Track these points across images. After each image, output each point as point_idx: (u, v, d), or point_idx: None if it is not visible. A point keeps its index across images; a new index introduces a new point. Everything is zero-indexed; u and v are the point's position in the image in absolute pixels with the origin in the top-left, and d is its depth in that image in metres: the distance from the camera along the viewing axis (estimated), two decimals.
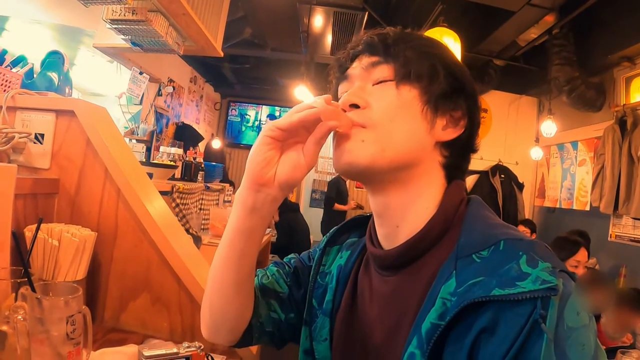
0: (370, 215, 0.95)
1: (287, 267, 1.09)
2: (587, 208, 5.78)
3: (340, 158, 0.80)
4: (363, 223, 1.03)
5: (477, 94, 0.91)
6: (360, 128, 0.79)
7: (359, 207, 7.39)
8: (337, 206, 7.08)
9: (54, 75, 1.83)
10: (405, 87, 0.81)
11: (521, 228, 5.80)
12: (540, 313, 0.62)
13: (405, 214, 0.84)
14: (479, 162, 7.09)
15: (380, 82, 0.83)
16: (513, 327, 0.62)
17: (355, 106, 0.81)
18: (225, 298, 0.92)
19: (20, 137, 1.46)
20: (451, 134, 0.85)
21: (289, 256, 1.14)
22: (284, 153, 0.80)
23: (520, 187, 7.01)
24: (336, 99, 0.90)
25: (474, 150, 0.92)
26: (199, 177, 3.97)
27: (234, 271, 0.89)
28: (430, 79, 0.82)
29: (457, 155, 0.88)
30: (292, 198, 7.74)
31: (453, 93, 0.84)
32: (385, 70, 0.83)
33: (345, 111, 0.81)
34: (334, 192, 7.18)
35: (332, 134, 0.81)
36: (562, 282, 0.64)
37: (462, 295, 0.68)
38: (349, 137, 0.79)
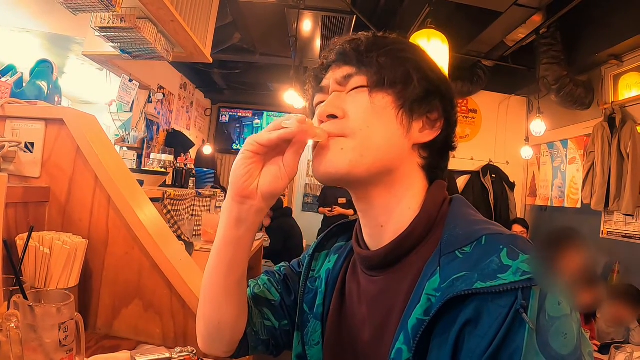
0: (356, 220, 0.97)
1: (277, 276, 1.10)
2: (579, 205, 5.80)
3: (319, 167, 0.82)
4: (349, 227, 1.04)
5: (453, 93, 0.92)
6: (338, 137, 0.81)
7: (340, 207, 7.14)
8: (320, 210, 7.06)
9: (43, 84, 1.83)
10: (379, 94, 0.83)
11: (517, 228, 5.84)
12: (522, 303, 0.63)
13: (388, 215, 0.86)
14: (469, 162, 7.12)
15: (355, 88, 0.84)
16: (496, 319, 0.64)
17: (332, 116, 0.83)
18: (218, 309, 0.93)
19: (10, 146, 1.46)
20: (428, 135, 0.87)
21: (280, 264, 1.15)
22: (266, 165, 0.82)
23: (512, 186, 7.04)
24: (312, 107, 0.93)
25: (452, 149, 0.94)
26: (190, 184, 3.96)
27: (224, 281, 0.91)
28: (404, 84, 0.84)
29: (435, 155, 0.89)
30: (285, 202, 7.73)
31: (428, 96, 0.86)
32: (358, 80, 0.84)
33: (323, 122, 0.84)
34: (321, 197, 7.16)
35: (312, 143, 0.83)
36: None
37: (445, 291, 0.70)
38: (328, 147, 0.81)
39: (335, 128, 0.82)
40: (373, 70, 0.83)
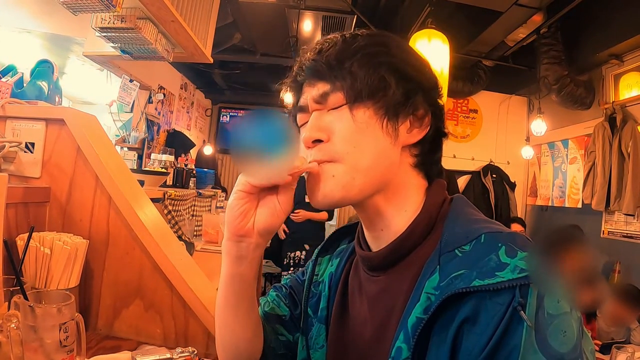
0: (359, 222, 0.97)
1: (284, 290, 1.12)
2: (579, 205, 5.80)
3: (316, 197, 0.82)
4: (352, 230, 1.05)
5: (436, 81, 0.89)
6: (327, 163, 0.80)
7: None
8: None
9: (43, 84, 1.83)
10: (360, 110, 0.80)
11: (517, 227, 5.83)
12: (519, 301, 0.63)
13: (387, 220, 0.85)
14: (470, 162, 7.12)
15: (335, 108, 0.82)
16: (493, 316, 0.64)
17: (318, 140, 0.82)
18: (233, 335, 0.96)
19: (10, 147, 1.46)
20: (417, 135, 0.85)
21: (286, 277, 1.18)
22: (260, 202, 0.83)
23: (512, 186, 7.03)
24: (297, 126, 0.92)
25: (445, 136, 0.92)
26: (190, 184, 3.96)
27: (234, 311, 0.93)
28: (382, 91, 0.81)
29: (427, 151, 0.88)
30: None
31: (410, 96, 0.83)
32: (336, 97, 0.82)
33: (309, 147, 0.83)
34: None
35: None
36: None
37: (444, 289, 0.70)
38: (320, 176, 0.81)
39: (322, 154, 0.81)
40: (348, 84, 0.80)
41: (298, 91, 0.90)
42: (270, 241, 5.61)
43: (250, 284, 0.91)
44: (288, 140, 0.81)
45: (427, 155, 0.88)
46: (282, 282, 1.16)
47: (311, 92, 0.85)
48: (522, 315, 0.62)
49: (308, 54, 0.87)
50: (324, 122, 0.83)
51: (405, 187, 0.85)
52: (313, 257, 1.09)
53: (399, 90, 0.81)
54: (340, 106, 0.81)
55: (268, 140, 0.82)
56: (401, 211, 0.85)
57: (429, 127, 0.85)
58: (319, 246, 1.10)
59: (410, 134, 0.84)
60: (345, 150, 0.79)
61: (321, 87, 0.83)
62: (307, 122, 0.86)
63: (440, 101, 0.89)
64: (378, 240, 0.88)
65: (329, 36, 0.88)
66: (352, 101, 0.80)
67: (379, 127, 0.80)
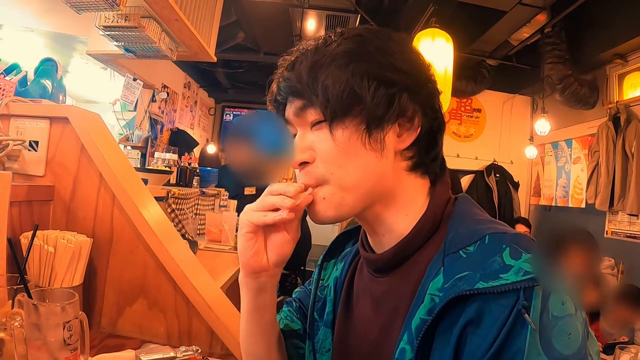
0: None
1: (294, 304, 1.13)
2: (583, 205, 5.78)
3: (313, 217, 0.83)
4: (355, 233, 1.05)
5: (427, 78, 0.84)
6: (316, 187, 0.81)
7: None
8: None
9: (47, 83, 1.83)
10: (338, 130, 0.77)
11: (521, 228, 5.81)
12: (523, 304, 0.62)
13: (389, 224, 0.85)
14: (473, 162, 7.11)
15: (315, 124, 0.81)
16: (497, 319, 0.63)
17: (304, 162, 0.81)
18: None
19: (14, 145, 1.46)
20: (407, 138, 0.81)
21: (296, 290, 1.18)
22: (269, 236, 0.85)
23: (516, 186, 7.02)
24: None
25: (440, 130, 0.87)
26: (194, 183, 3.97)
27: (262, 341, 0.97)
28: (358, 105, 0.77)
29: (422, 151, 0.84)
30: None
31: (392, 101, 0.78)
32: (314, 112, 0.80)
33: (298, 169, 0.83)
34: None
35: None
36: None
37: (448, 290, 0.69)
38: (314, 201, 0.81)
39: (310, 178, 0.81)
40: (322, 102, 0.77)
41: (281, 108, 0.88)
42: None
43: (272, 311, 0.95)
44: (284, 148, 0.81)
45: (423, 156, 0.84)
46: (293, 296, 1.17)
47: (292, 107, 0.84)
48: (526, 318, 0.62)
49: (284, 70, 0.85)
50: (307, 142, 0.82)
51: (403, 191, 0.84)
52: (318, 263, 1.10)
53: (378, 98, 0.77)
54: (320, 122, 0.80)
55: (265, 146, 0.81)
56: (402, 215, 0.84)
57: (419, 128, 0.81)
58: (324, 252, 1.10)
59: (400, 138, 0.81)
60: (330, 172, 0.79)
61: (299, 103, 0.82)
62: (295, 133, 0.85)
63: (432, 97, 0.85)
64: (381, 244, 0.87)
65: (303, 43, 0.85)
66: (330, 119, 0.78)
67: (360, 145, 0.78)
